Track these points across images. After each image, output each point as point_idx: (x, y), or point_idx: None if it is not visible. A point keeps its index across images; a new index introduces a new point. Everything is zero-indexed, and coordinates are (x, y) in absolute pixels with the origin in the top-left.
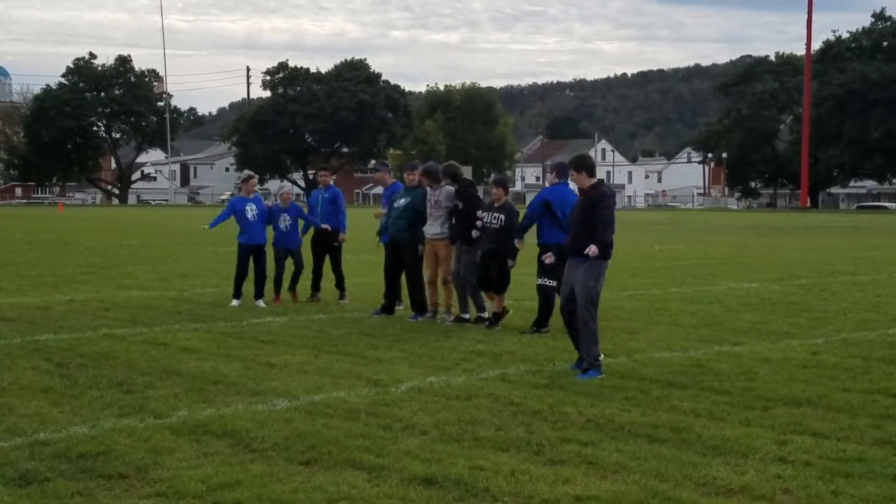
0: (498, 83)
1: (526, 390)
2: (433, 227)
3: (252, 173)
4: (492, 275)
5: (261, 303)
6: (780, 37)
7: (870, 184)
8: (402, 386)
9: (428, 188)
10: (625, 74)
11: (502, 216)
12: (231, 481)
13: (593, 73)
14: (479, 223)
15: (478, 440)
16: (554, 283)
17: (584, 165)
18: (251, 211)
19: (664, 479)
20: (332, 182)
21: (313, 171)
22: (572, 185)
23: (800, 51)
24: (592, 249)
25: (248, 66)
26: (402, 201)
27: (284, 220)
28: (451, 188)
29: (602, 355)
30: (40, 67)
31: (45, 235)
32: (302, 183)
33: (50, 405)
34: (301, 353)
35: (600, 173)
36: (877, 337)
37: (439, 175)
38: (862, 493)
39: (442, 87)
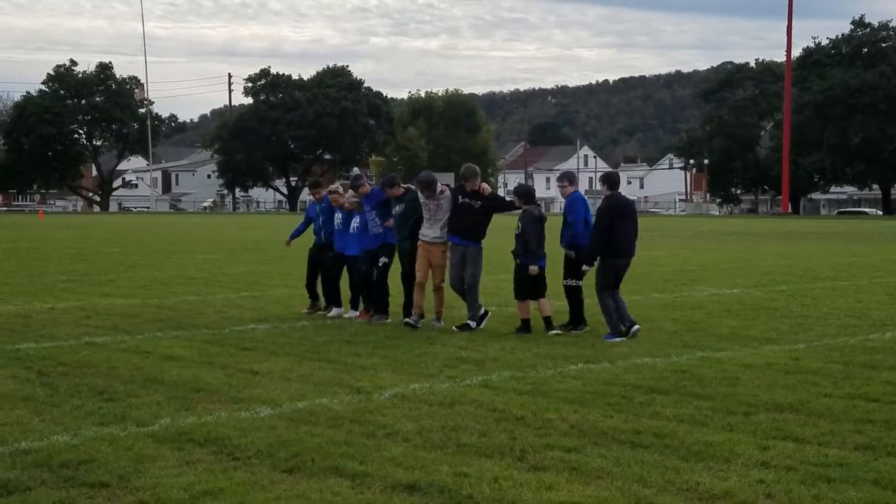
0: (479, 90)
1: (509, 397)
2: (432, 231)
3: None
4: (524, 285)
5: (351, 313)
6: (759, 43)
7: (850, 190)
8: (386, 393)
9: (425, 198)
10: (606, 81)
11: (520, 223)
12: (214, 489)
13: (573, 79)
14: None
15: (461, 447)
16: (579, 283)
17: (602, 180)
18: (337, 219)
19: (647, 485)
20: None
21: (296, 178)
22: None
23: (779, 57)
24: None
25: (229, 73)
26: (397, 209)
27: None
28: (450, 193)
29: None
30: (18, 75)
31: (25, 243)
32: (284, 190)
33: (31, 414)
34: (284, 360)
35: (582, 179)
36: (858, 342)
37: (435, 184)
38: (843, 498)
39: (424, 94)
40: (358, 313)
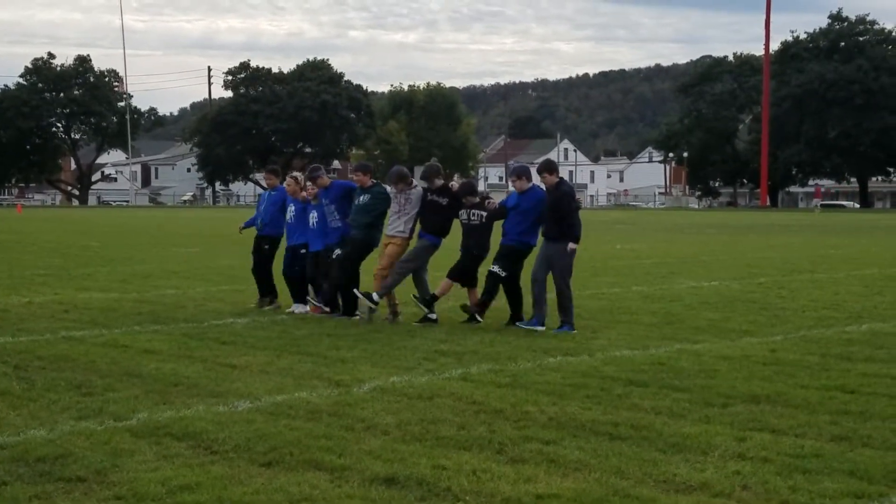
0: (458, 83)
1: (488, 389)
2: (397, 225)
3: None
4: (472, 271)
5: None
6: (737, 37)
7: (828, 182)
8: (365, 386)
9: (393, 190)
10: (587, 74)
11: (483, 213)
12: (191, 483)
13: (552, 73)
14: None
15: (440, 440)
16: (504, 274)
17: (548, 169)
18: (290, 212)
19: (625, 477)
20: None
21: None
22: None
23: (757, 51)
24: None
25: (209, 66)
26: (362, 199)
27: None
28: (421, 190)
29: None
30: None
31: (3, 237)
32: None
33: (7, 408)
34: (263, 354)
35: (563, 173)
36: (834, 334)
37: (409, 178)
38: (819, 489)
39: (406, 87)
40: (308, 307)
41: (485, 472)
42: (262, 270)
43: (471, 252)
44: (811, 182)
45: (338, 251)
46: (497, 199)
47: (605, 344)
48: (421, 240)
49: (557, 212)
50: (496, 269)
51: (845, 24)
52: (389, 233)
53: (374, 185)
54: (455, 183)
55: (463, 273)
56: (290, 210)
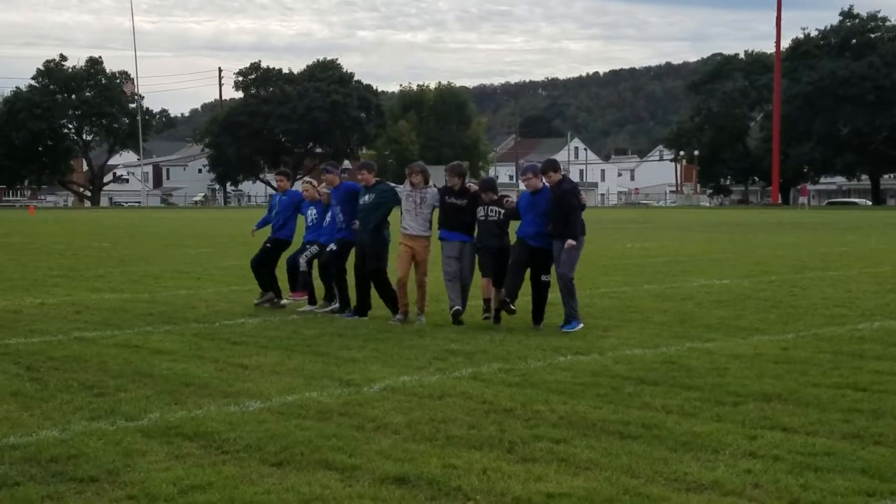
0: (467, 82)
1: (498, 388)
2: (415, 224)
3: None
4: (501, 269)
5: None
6: (746, 35)
7: (840, 180)
8: (375, 386)
9: (411, 187)
10: (597, 73)
11: (501, 210)
12: (203, 483)
13: (561, 72)
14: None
15: (450, 439)
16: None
17: (553, 167)
18: (311, 214)
19: (635, 476)
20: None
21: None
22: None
23: (768, 48)
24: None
25: (219, 67)
26: (366, 198)
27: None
28: (436, 190)
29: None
30: (4, 70)
31: (15, 238)
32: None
33: (20, 409)
34: (274, 354)
35: (574, 171)
36: (846, 332)
37: (428, 175)
38: (830, 487)
39: (415, 87)
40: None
41: (495, 471)
42: (261, 266)
43: (490, 249)
44: (823, 180)
45: (332, 246)
46: (513, 197)
47: (615, 343)
48: (455, 242)
49: (561, 209)
50: (546, 278)
51: (856, 20)
52: (412, 233)
53: (378, 182)
54: (473, 184)
55: (498, 271)
56: (312, 213)
